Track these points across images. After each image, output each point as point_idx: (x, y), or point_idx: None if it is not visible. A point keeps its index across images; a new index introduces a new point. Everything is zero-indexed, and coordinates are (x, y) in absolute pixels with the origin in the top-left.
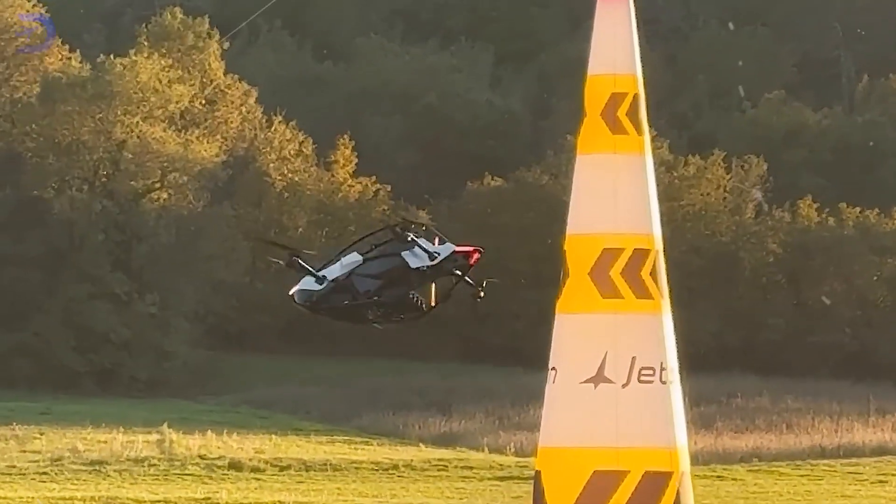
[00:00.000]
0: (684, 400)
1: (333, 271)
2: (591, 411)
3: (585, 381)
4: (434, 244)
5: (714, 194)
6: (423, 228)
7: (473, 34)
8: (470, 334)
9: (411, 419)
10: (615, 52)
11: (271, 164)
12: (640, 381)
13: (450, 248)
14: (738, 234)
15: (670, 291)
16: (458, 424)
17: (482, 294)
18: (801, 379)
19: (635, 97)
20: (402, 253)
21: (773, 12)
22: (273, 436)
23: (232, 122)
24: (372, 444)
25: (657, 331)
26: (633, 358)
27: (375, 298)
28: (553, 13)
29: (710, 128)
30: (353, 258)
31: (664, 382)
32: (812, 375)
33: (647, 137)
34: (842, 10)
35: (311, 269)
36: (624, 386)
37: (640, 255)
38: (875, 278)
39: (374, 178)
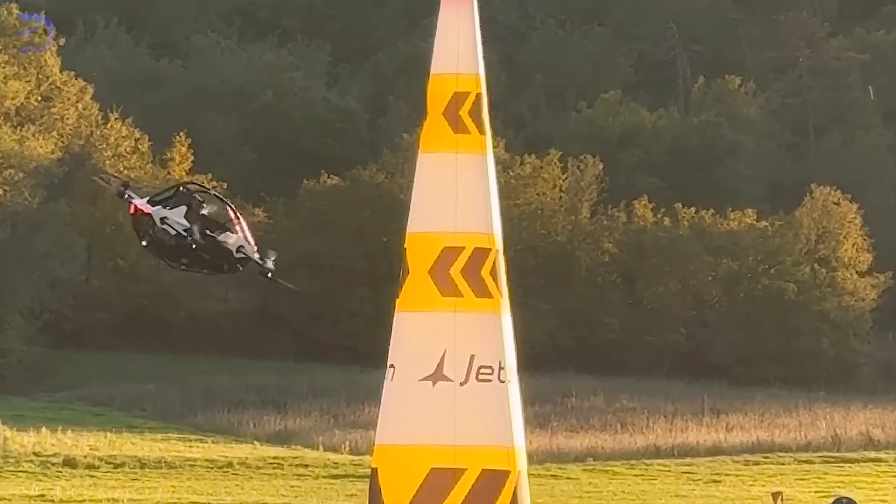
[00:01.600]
0: (521, 399)
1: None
2: (429, 409)
3: (424, 379)
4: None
5: (550, 194)
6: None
7: (311, 32)
8: (306, 332)
9: (246, 417)
10: (458, 50)
11: (107, 161)
12: (478, 379)
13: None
14: (573, 234)
15: (508, 291)
16: (294, 422)
17: (274, 278)
18: (636, 378)
19: (478, 96)
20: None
21: (610, 13)
22: (108, 433)
23: (68, 119)
24: (207, 442)
25: (496, 330)
26: (472, 356)
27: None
28: (391, 12)
29: (547, 127)
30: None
31: (502, 381)
32: (647, 375)
33: (488, 137)
34: (678, 12)
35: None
36: (462, 384)
37: (481, 253)
38: (710, 278)
39: (209, 175)
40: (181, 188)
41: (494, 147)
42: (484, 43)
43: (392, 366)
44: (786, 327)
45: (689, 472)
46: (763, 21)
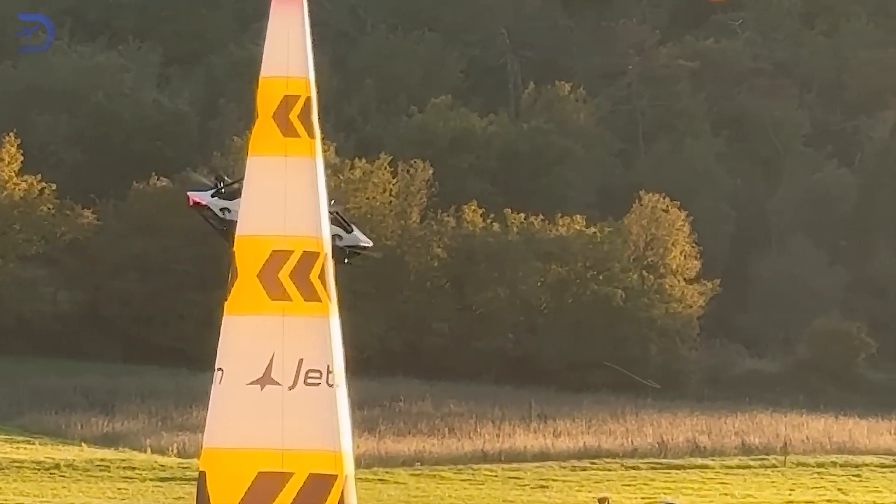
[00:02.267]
0: (349, 403)
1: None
2: (257, 413)
3: (252, 383)
4: None
5: (380, 198)
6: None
7: (142, 34)
8: (135, 334)
9: (74, 419)
10: (288, 54)
11: None
12: (306, 383)
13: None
14: (403, 238)
15: (337, 295)
16: (122, 425)
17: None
18: (465, 384)
19: (307, 100)
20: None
21: (441, 18)
22: None
23: None
24: (34, 444)
25: (324, 333)
26: (301, 360)
27: None
28: (223, 15)
29: (378, 132)
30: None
31: (330, 385)
32: (475, 380)
33: (318, 140)
34: (509, 18)
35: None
36: (290, 388)
37: (310, 257)
38: (539, 284)
39: (39, 176)
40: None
41: (325, 151)
42: (315, 47)
43: (220, 369)
44: (614, 333)
45: (517, 478)
46: (593, 28)
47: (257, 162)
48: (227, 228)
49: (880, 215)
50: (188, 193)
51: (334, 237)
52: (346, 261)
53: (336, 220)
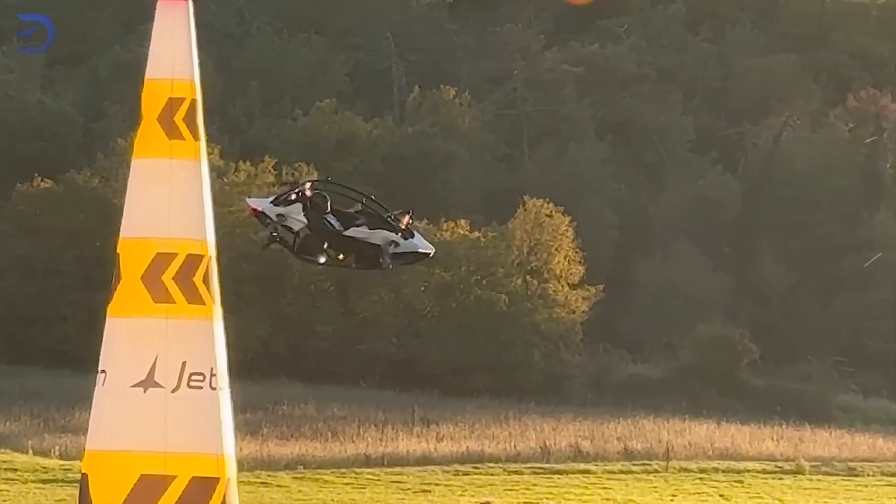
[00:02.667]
0: (232, 406)
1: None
2: (140, 415)
3: (135, 385)
4: None
5: None
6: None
7: (26, 35)
8: (18, 335)
9: None
10: (174, 56)
11: None
12: (189, 386)
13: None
14: None
15: (221, 297)
16: (3, 426)
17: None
18: (348, 387)
19: (192, 102)
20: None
21: (327, 21)
22: None
23: None
24: None
25: (208, 336)
26: (184, 363)
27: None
28: (107, 16)
29: (262, 135)
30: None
31: (214, 388)
32: (359, 384)
33: (203, 143)
34: (395, 22)
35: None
36: (174, 391)
37: (194, 260)
38: (422, 289)
39: None
40: (299, 188)
41: (209, 153)
42: (200, 49)
43: (103, 371)
44: (497, 338)
45: (399, 482)
46: (479, 32)
47: (141, 164)
48: (280, 235)
49: (763, 222)
50: (247, 200)
51: (390, 243)
52: (390, 265)
53: (393, 226)
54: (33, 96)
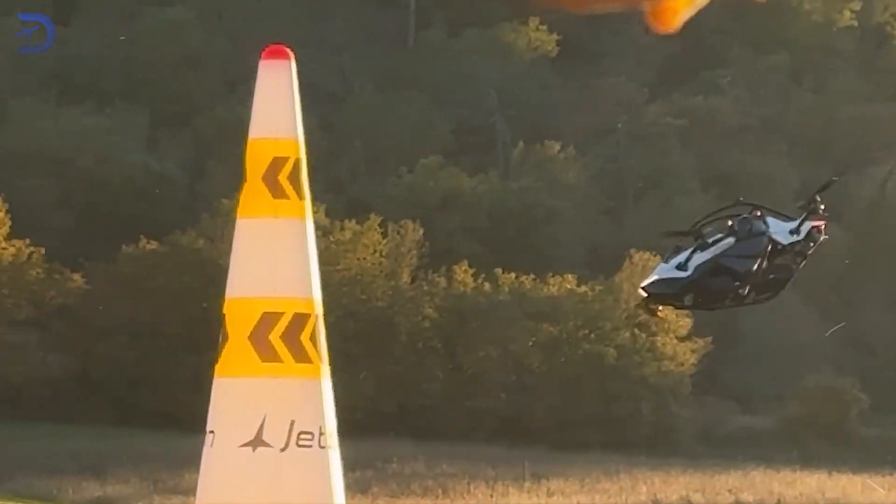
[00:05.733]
0: (342, 465)
1: (699, 257)
2: (249, 475)
3: (244, 445)
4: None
5: (370, 259)
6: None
7: (129, 97)
8: (125, 398)
9: (65, 482)
10: (276, 116)
11: None
12: (298, 445)
13: (808, 224)
14: (394, 299)
15: (329, 356)
16: (113, 488)
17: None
18: (457, 444)
19: (296, 161)
20: (768, 231)
21: (429, 79)
22: None
23: None
24: None
25: (316, 395)
26: (293, 422)
27: (762, 276)
28: (208, 76)
29: (367, 192)
30: (725, 241)
31: (323, 447)
32: (467, 440)
33: (307, 202)
34: (497, 78)
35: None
36: (283, 450)
37: (300, 319)
38: (530, 343)
39: (27, 240)
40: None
41: (315, 212)
42: (303, 107)
43: (211, 432)
44: (605, 392)
45: None
46: (581, 87)
47: (246, 224)
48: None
49: (869, 271)
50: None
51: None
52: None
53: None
54: (137, 158)
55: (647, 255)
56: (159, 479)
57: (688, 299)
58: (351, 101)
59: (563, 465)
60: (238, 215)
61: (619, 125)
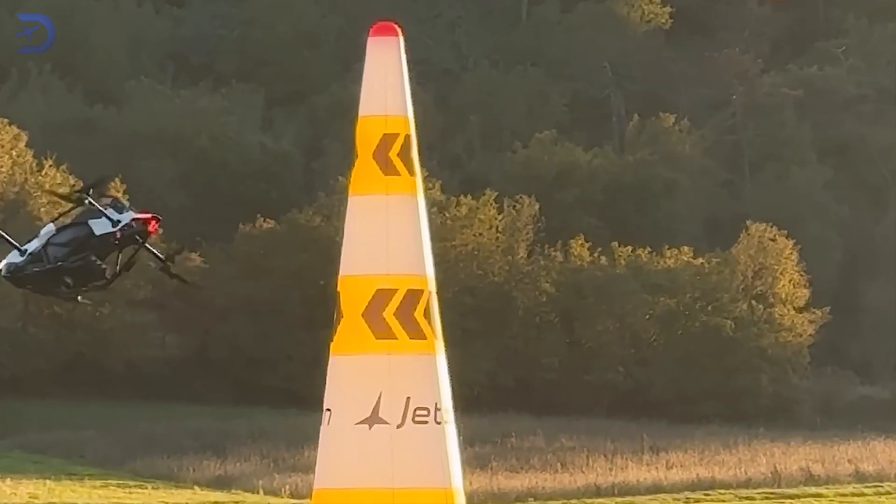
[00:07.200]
0: (459, 440)
1: (33, 244)
2: (366, 452)
3: (360, 423)
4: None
5: (486, 234)
6: (111, 199)
7: (244, 77)
8: (244, 376)
9: (186, 462)
10: (386, 92)
11: (42, 209)
12: (414, 421)
13: (129, 215)
14: (511, 275)
15: (444, 332)
16: (234, 467)
17: (171, 270)
18: (576, 418)
19: (407, 138)
20: (89, 220)
21: (544, 53)
22: (47, 480)
23: (2, 167)
24: (147, 488)
25: (431, 371)
26: (408, 398)
27: (60, 264)
28: (323, 55)
29: (482, 168)
30: (48, 229)
31: (439, 423)
32: (586, 414)
33: (419, 178)
34: (612, 51)
35: (13, 241)
36: (399, 427)
37: (414, 295)
38: (647, 317)
39: None
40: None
41: (430, 188)
42: (418, 84)
43: (328, 409)
44: (724, 364)
45: None
46: (696, 59)
47: (358, 202)
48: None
49: None
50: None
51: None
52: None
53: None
54: (253, 138)
55: (763, 226)
56: (279, 456)
57: (25, 282)
58: (466, 78)
59: (682, 438)
60: (350, 193)
61: (735, 97)
